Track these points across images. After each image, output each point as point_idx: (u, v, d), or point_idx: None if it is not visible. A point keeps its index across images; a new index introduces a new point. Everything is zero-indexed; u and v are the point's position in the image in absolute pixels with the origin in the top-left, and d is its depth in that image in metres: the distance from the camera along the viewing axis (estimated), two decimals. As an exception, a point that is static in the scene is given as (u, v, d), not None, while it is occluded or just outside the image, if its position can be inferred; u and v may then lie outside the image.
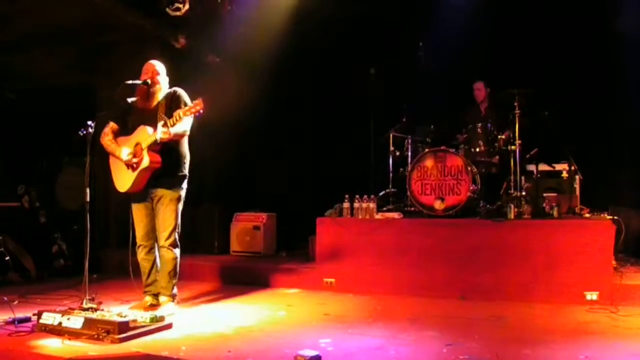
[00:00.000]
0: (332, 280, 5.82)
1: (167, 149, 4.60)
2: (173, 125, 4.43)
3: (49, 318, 3.99)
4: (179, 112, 4.41)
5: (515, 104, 5.99)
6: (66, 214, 7.01)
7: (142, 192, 4.71)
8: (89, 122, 4.38)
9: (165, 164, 4.62)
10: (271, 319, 4.60)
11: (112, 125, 4.80)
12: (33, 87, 7.24)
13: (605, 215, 5.47)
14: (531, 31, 6.91)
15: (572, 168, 6.21)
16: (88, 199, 4.41)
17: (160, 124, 4.47)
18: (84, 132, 4.38)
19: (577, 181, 6.31)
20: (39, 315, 4.05)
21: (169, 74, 4.86)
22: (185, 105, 4.54)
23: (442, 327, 4.31)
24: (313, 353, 3.32)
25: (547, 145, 6.29)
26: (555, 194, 6.19)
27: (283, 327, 4.37)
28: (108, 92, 4.97)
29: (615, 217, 5.27)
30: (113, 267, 6.64)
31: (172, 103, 4.66)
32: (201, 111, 4.34)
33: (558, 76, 6.72)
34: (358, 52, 7.56)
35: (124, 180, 4.69)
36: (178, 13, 6.34)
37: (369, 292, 5.57)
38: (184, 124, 4.56)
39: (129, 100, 4.83)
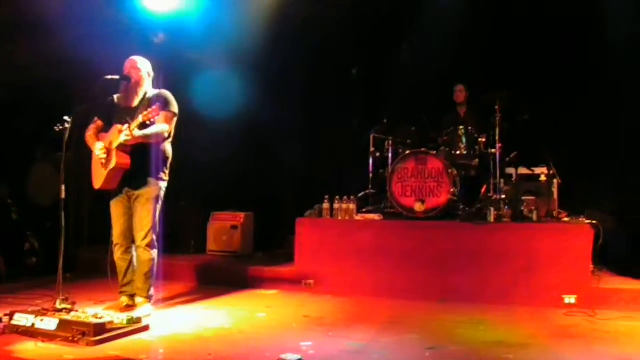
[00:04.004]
0: (311, 281, 5.76)
1: (141, 151, 4.46)
2: (134, 128, 4.31)
3: (21, 319, 3.87)
4: (140, 116, 4.32)
5: (496, 107, 6.02)
6: (39, 211, 6.82)
7: (120, 190, 4.60)
8: (65, 117, 4.26)
9: (140, 165, 4.49)
10: (250, 321, 4.54)
11: (97, 122, 4.71)
12: (7, 80, 7.02)
13: (583, 219, 5.52)
14: (512, 34, 6.93)
15: (551, 172, 6.25)
16: (63, 196, 4.29)
17: (125, 126, 4.34)
18: (60, 126, 4.26)
19: (556, 185, 6.34)
20: (11, 315, 3.94)
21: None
22: (166, 107, 4.46)
23: (423, 330, 4.31)
24: (296, 357, 3.28)
25: (526, 148, 6.31)
26: (533, 198, 6.22)
27: (263, 329, 4.32)
28: (85, 86, 4.85)
29: (594, 222, 5.32)
30: (87, 266, 6.51)
31: (153, 104, 4.53)
32: (152, 119, 4.30)
33: (538, 80, 6.75)
34: (340, 52, 7.51)
35: (97, 177, 4.59)
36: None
37: (348, 294, 5.53)
38: (157, 126, 4.46)
39: (115, 97, 4.73)
